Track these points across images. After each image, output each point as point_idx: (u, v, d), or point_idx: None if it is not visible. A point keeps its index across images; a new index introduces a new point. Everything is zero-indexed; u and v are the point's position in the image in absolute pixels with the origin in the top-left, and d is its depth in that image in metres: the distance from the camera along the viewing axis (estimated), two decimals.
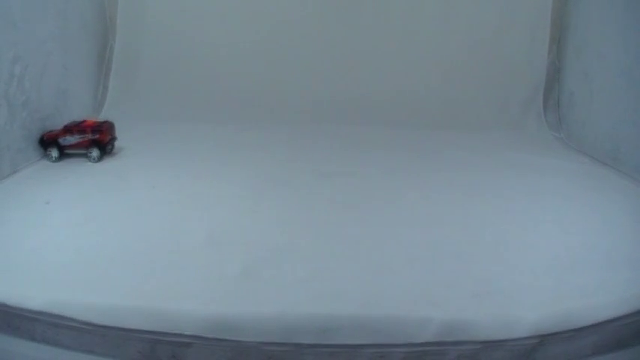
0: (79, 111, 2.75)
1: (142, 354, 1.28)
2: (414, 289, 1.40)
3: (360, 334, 1.26)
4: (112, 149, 2.47)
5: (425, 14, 3.17)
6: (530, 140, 2.89)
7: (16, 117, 2.19)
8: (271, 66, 3.17)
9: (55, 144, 2.34)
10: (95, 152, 2.35)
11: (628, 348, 1.34)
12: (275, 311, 1.29)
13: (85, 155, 2.35)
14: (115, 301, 1.31)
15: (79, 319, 1.28)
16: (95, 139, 2.36)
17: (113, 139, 2.47)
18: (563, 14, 3.08)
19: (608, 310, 1.32)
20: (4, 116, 2.12)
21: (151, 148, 2.56)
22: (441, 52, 3.16)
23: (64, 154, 2.36)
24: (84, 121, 2.44)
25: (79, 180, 2.14)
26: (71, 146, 2.36)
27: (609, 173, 2.36)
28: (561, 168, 2.42)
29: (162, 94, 3.12)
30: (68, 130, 2.36)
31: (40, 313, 1.29)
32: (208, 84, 3.14)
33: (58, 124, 2.45)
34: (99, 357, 1.29)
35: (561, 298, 1.37)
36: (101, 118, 2.74)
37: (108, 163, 2.36)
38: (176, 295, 1.35)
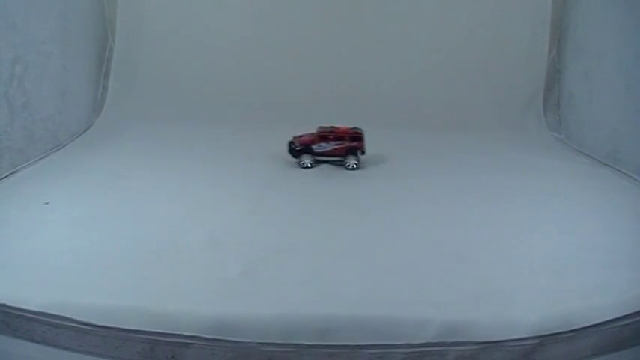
0: (78, 112, 2.75)
1: (141, 354, 1.27)
2: (414, 290, 1.40)
3: (360, 334, 1.25)
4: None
5: (424, 14, 3.16)
6: (529, 141, 2.88)
7: (16, 118, 2.19)
8: (271, 66, 3.16)
9: (308, 151, 2.29)
10: (353, 160, 2.29)
11: (628, 348, 1.34)
12: (275, 312, 1.29)
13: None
14: (115, 302, 1.31)
15: (78, 320, 1.27)
16: (352, 147, 2.30)
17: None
18: (563, 14, 3.08)
19: (609, 311, 1.31)
20: (4, 117, 2.12)
21: (150, 148, 2.55)
22: (441, 52, 3.15)
23: (317, 161, 2.31)
24: (337, 128, 2.34)
25: (79, 180, 2.14)
26: (325, 153, 2.31)
27: (609, 173, 2.35)
28: (561, 168, 2.41)
29: (161, 94, 3.12)
30: (323, 136, 2.30)
31: (40, 313, 1.29)
32: (208, 84, 3.13)
33: (58, 124, 2.45)
34: (98, 357, 1.29)
35: (561, 298, 1.37)
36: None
37: (107, 164, 2.35)
38: (176, 296, 1.35)
